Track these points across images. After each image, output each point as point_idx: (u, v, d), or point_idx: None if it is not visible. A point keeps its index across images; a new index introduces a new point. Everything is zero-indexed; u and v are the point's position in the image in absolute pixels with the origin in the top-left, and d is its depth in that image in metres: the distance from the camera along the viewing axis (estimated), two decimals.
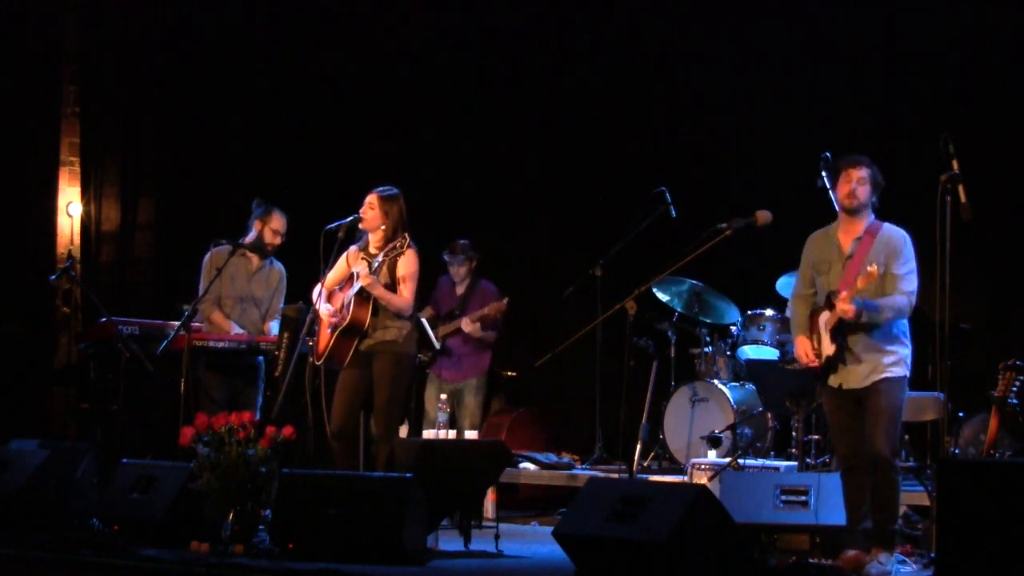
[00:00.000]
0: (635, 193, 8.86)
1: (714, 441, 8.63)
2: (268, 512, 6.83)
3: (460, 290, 9.52)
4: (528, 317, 10.29)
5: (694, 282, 9.26)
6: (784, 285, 8.78)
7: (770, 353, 8.95)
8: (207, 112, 11.74)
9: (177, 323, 8.16)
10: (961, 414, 7.72)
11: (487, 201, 10.83)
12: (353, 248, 7.80)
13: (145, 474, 7.27)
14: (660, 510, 6.01)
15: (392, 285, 7.60)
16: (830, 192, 7.31)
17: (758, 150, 9.90)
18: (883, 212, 6.72)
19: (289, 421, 7.09)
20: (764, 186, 9.27)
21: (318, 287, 7.72)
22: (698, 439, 8.91)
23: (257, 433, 6.85)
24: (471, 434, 8.34)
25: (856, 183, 6.54)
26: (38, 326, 11.69)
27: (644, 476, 8.69)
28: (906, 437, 7.99)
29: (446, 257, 9.49)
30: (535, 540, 7.78)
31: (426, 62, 11.09)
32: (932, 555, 6.34)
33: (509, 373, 10.31)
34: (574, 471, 9.15)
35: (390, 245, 7.56)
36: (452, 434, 7.77)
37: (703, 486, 6.57)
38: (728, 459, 8.33)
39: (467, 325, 9.30)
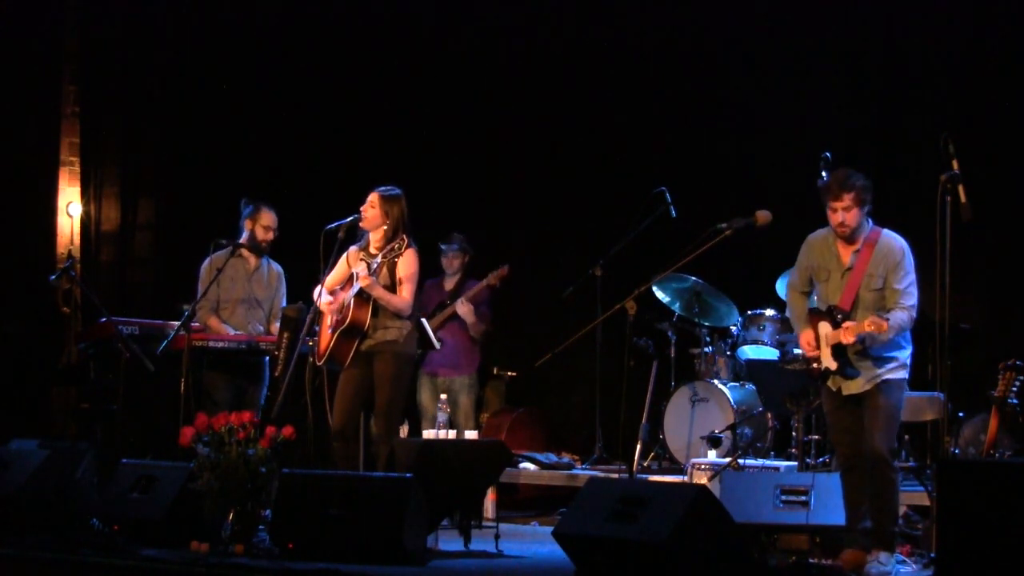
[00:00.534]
0: (635, 193, 8.87)
1: (714, 441, 8.63)
2: (268, 512, 6.84)
3: (450, 284, 9.49)
4: (528, 317, 10.29)
5: (694, 281, 9.26)
6: (784, 285, 8.77)
7: (770, 353, 8.95)
8: (207, 112, 11.74)
9: (177, 323, 8.16)
10: (961, 414, 7.72)
11: (487, 201, 10.83)
12: (353, 248, 7.80)
13: (145, 474, 7.27)
14: (660, 510, 6.01)
15: (392, 286, 7.60)
16: None
17: (758, 150, 9.90)
18: (883, 212, 6.72)
19: (289, 421, 7.09)
20: (764, 186, 9.27)
21: (318, 287, 7.72)
22: (698, 439, 8.91)
23: (258, 433, 6.86)
24: (471, 434, 8.34)
25: (843, 212, 6.48)
26: (38, 326, 11.68)
27: (644, 476, 8.69)
28: (906, 437, 7.99)
29: (442, 246, 9.49)
30: (535, 540, 7.78)
31: (426, 62, 11.09)
32: (932, 555, 6.34)
33: (509, 373, 10.31)
34: (574, 471, 9.15)
35: (390, 246, 7.55)
36: (452, 434, 7.77)
37: (703, 486, 6.57)
38: (728, 459, 8.33)
39: (461, 307, 9.30)
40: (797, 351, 7.94)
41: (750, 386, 9.04)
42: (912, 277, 6.49)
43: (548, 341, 8.31)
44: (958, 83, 9.23)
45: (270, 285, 8.59)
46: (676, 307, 9.43)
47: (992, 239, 8.79)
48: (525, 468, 9.20)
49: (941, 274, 6.29)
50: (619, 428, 7.79)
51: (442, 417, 7.82)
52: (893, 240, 6.55)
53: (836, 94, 9.68)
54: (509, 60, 10.90)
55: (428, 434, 7.85)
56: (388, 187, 7.72)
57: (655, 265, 7.57)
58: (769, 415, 8.84)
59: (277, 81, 11.51)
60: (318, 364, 7.69)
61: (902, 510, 6.89)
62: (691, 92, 10.28)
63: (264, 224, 8.48)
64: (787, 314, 7.20)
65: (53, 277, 9.66)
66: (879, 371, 6.47)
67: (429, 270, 9.02)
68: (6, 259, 11.67)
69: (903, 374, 6.54)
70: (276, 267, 8.64)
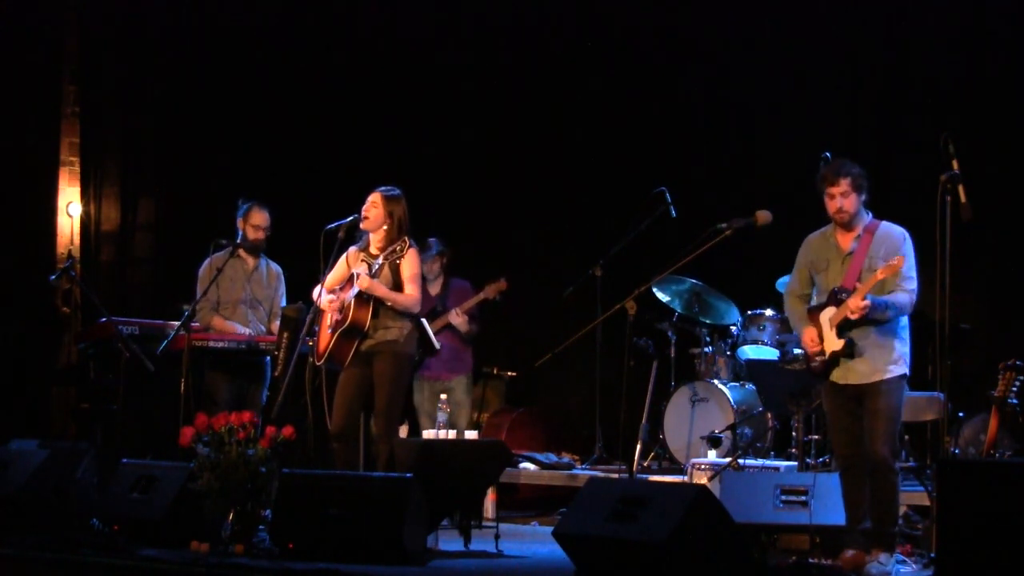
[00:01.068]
0: (635, 193, 8.87)
1: (714, 441, 8.63)
2: (268, 512, 6.84)
3: (435, 289, 9.43)
4: (528, 317, 10.29)
5: (694, 282, 9.26)
6: (784, 285, 8.77)
7: (770, 353, 8.95)
8: (207, 112, 11.74)
9: (177, 323, 8.16)
10: (961, 414, 7.72)
11: (487, 201, 10.82)
12: (353, 248, 7.78)
13: (145, 474, 7.26)
14: (660, 510, 6.01)
15: (396, 286, 7.56)
16: None
17: (758, 150, 9.90)
18: (883, 212, 6.72)
19: (289, 421, 7.09)
20: (764, 186, 9.28)
21: (318, 288, 7.72)
22: (698, 439, 8.90)
23: (258, 433, 6.86)
24: (471, 434, 8.34)
25: (840, 197, 6.51)
26: (38, 326, 11.68)
27: (644, 476, 8.69)
28: (906, 437, 7.99)
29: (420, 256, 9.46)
30: (535, 540, 7.78)
31: (427, 62, 11.09)
32: (932, 555, 6.34)
33: (509, 373, 10.31)
34: (574, 471, 9.15)
35: (392, 247, 7.53)
36: (452, 434, 7.77)
37: (703, 486, 6.57)
38: (728, 459, 8.33)
39: (455, 318, 9.28)
40: (797, 351, 7.96)
41: (750, 386, 9.05)
42: (912, 262, 6.50)
43: (548, 341, 8.32)
44: (958, 83, 9.23)
45: (269, 285, 8.59)
46: (676, 307, 9.43)
47: (992, 239, 8.79)
48: (525, 468, 9.20)
49: (941, 274, 6.29)
50: (619, 428, 7.79)
51: (442, 417, 7.81)
52: (893, 227, 6.60)
53: (836, 94, 9.68)
54: (509, 60, 10.90)
55: (428, 434, 7.85)
56: (389, 187, 7.70)
57: (655, 265, 7.57)
58: (769, 415, 8.84)
59: (277, 81, 11.51)
60: (317, 364, 7.68)
61: (902, 510, 6.89)
62: (691, 92, 10.29)
63: (254, 224, 8.46)
64: (785, 313, 7.20)
65: (53, 277, 9.68)
66: (882, 360, 6.46)
67: None
68: (6, 259, 11.67)
69: (903, 369, 6.53)
70: (275, 267, 8.64)
